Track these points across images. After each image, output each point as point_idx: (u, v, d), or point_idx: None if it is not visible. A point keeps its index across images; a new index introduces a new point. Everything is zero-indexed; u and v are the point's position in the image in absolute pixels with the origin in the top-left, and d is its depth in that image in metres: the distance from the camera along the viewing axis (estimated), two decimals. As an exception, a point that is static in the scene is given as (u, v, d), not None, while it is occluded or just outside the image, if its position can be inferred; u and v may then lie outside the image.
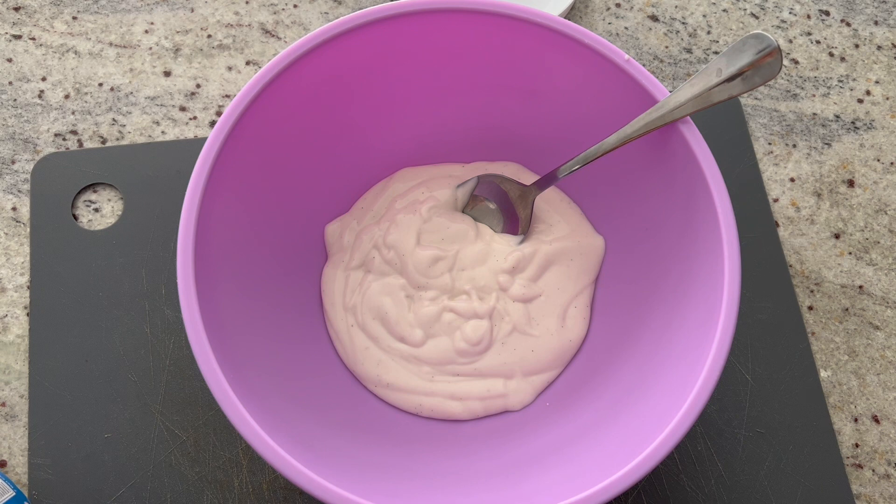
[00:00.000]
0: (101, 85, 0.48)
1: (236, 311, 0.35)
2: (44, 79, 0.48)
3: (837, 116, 0.49)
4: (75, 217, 0.45)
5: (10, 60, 0.48)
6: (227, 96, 0.48)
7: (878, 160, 0.48)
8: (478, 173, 0.44)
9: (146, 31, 0.49)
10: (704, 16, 0.51)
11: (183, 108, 0.47)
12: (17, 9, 0.50)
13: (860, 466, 0.41)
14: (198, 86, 0.48)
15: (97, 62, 0.48)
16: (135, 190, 0.45)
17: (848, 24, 0.51)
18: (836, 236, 0.46)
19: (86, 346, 0.42)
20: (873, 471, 0.41)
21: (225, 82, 0.48)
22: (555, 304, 0.40)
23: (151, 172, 0.45)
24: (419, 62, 0.39)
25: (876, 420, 0.42)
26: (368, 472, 0.34)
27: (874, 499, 0.41)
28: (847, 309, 0.44)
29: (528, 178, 0.43)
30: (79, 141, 0.46)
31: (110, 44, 0.49)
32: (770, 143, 0.48)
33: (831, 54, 0.51)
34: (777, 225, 0.46)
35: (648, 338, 0.37)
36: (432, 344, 0.39)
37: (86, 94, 0.48)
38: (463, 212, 0.43)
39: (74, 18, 0.50)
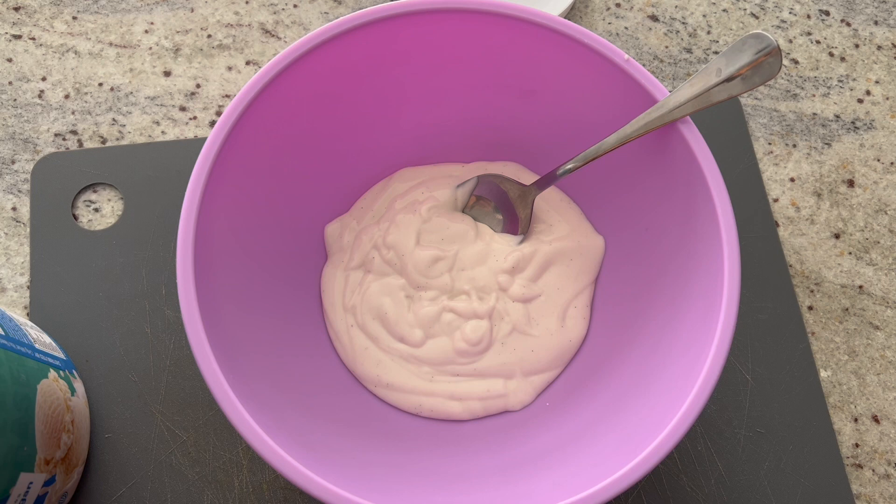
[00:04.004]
0: (101, 85, 0.48)
1: (236, 310, 0.35)
2: (44, 79, 0.48)
3: (837, 116, 0.49)
4: (75, 217, 0.45)
5: (10, 60, 0.48)
6: (227, 96, 0.48)
7: (878, 160, 0.48)
8: (478, 173, 0.44)
9: (146, 31, 0.49)
10: (704, 16, 0.51)
11: (183, 108, 0.47)
12: (17, 9, 0.50)
13: (860, 466, 0.41)
14: (198, 86, 0.48)
15: (97, 62, 0.48)
16: (135, 190, 0.45)
17: (848, 24, 0.51)
18: (836, 236, 0.46)
19: (86, 346, 0.42)
20: (873, 471, 0.41)
21: (225, 82, 0.48)
22: (554, 304, 0.40)
23: (151, 172, 0.45)
24: (419, 62, 0.39)
25: (876, 420, 0.42)
26: (368, 472, 0.34)
27: (874, 499, 0.41)
28: (847, 309, 0.44)
29: (528, 177, 0.43)
30: (79, 141, 0.46)
31: (110, 44, 0.49)
32: (770, 143, 0.48)
33: (831, 54, 0.51)
34: (777, 225, 0.46)
35: (648, 337, 0.37)
36: (432, 344, 0.39)
37: (86, 94, 0.48)
38: (463, 212, 0.43)
39: (74, 18, 0.50)
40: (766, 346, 0.43)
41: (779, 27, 0.51)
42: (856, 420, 0.42)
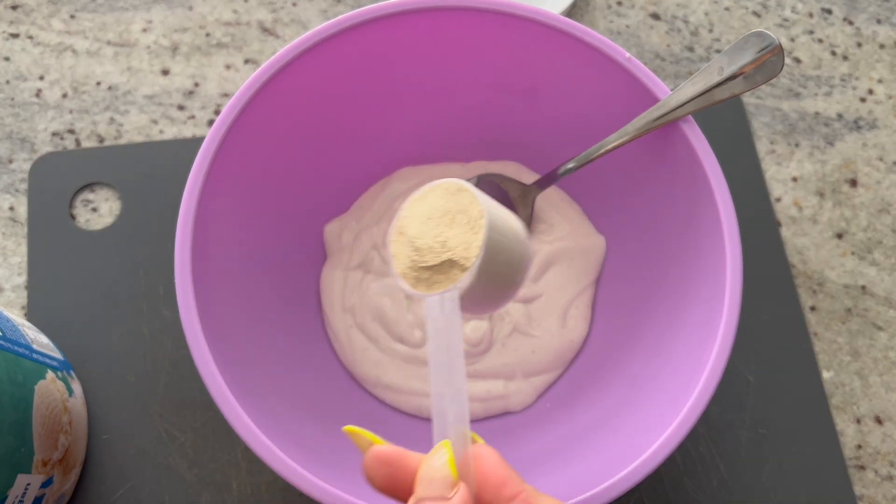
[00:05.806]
0: (98, 84, 0.48)
1: (234, 311, 0.35)
2: (41, 77, 0.48)
3: (840, 115, 0.49)
4: (73, 217, 0.44)
5: (7, 59, 0.48)
6: (226, 95, 0.48)
7: (881, 159, 0.48)
8: (478, 173, 0.43)
9: (144, 30, 0.49)
10: (706, 14, 0.51)
11: (181, 107, 0.47)
12: (14, 7, 0.49)
13: (863, 468, 0.41)
14: (196, 84, 0.48)
15: (95, 61, 0.48)
16: (132, 189, 0.45)
17: (850, 23, 0.51)
18: (839, 236, 0.46)
19: (83, 346, 0.41)
20: (876, 472, 0.41)
21: (223, 81, 0.48)
22: (555, 305, 0.40)
23: (149, 172, 0.45)
24: (419, 61, 0.38)
25: (879, 421, 0.42)
26: (368, 473, 0.33)
27: (877, 500, 0.40)
28: (850, 309, 0.44)
29: (529, 177, 0.43)
30: (76, 140, 0.46)
31: (108, 42, 0.49)
32: (772, 143, 0.48)
33: (834, 53, 0.50)
34: (779, 224, 0.46)
35: (650, 338, 0.37)
36: (432, 345, 0.39)
37: (83, 92, 0.47)
38: (463, 211, 0.43)
39: (72, 17, 0.49)
40: (769, 347, 0.42)
41: (781, 25, 0.51)
42: (858, 421, 0.42)
